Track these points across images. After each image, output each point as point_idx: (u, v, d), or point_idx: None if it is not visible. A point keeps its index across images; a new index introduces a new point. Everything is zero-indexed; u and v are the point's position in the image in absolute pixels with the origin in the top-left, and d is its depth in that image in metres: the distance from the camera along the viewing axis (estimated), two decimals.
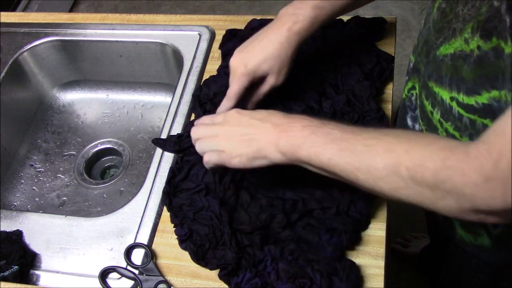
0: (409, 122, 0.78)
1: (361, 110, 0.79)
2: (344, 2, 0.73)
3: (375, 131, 0.56)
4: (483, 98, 0.57)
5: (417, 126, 0.75)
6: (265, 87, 0.75)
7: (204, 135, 0.68)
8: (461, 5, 0.56)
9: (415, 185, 0.51)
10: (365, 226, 0.71)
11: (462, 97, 0.60)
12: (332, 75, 0.84)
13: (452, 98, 0.62)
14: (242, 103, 0.76)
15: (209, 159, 0.67)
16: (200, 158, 0.76)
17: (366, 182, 0.55)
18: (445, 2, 0.61)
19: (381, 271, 0.67)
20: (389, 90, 0.85)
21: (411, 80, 0.77)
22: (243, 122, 0.65)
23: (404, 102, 0.79)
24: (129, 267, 0.71)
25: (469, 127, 0.61)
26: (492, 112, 0.57)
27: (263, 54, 0.72)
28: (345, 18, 0.93)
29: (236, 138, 0.64)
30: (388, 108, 0.83)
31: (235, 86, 0.73)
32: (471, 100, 0.59)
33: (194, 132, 0.70)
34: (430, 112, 0.68)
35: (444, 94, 0.63)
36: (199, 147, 0.69)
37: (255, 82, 0.74)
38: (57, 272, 0.74)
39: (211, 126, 0.69)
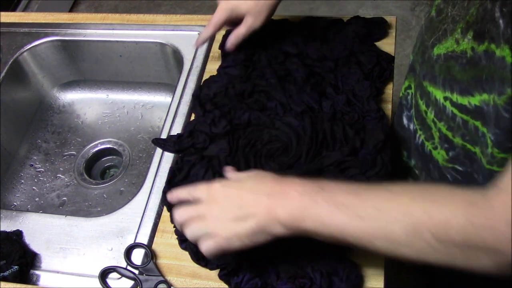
0: (405, 121, 0.78)
1: (361, 110, 0.79)
2: None
3: (381, 190, 0.52)
4: (476, 100, 0.56)
5: (411, 126, 0.75)
6: (242, 28, 0.83)
7: (190, 217, 0.60)
8: (451, 5, 0.56)
9: (442, 247, 0.47)
10: None
11: (456, 97, 0.60)
12: (332, 75, 0.84)
13: (445, 98, 0.62)
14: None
15: (207, 249, 0.59)
16: (199, 158, 0.77)
17: (386, 248, 0.51)
18: (442, 2, 0.61)
19: (381, 271, 0.67)
20: (389, 90, 0.85)
21: (407, 79, 0.77)
22: (231, 197, 0.58)
23: (401, 100, 0.79)
24: (129, 267, 0.71)
25: (461, 127, 0.61)
26: (482, 115, 0.57)
27: None
28: (345, 18, 0.93)
29: (229, 217, 0.57)
30: (388, 108, 0.83)
31: (215, 18, 0.84)
32: (464, 100, 0.58)
33: (179, 215, 0.62)
34: (424, 111, 0.68)
35: (438, 94, 0.63)
36: (189, 233, 0.60)
37: (234, 21, 0.84)
38: (57, 272, 0.74)
39: (195, 207, 0.61)
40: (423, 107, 0.68)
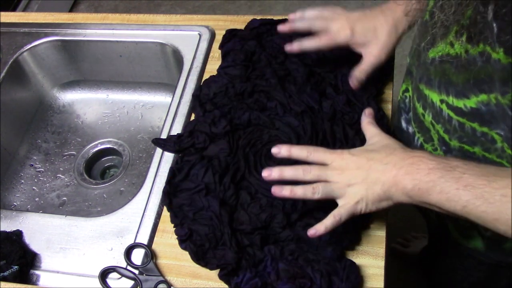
0: (403, 124, 0.78)
1: (361, 110, 0.78)
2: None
3: (509, 178, 0.52)
4: (471, 102, 0.57)
5: (410, 128, 0.76)
6: (368, 61, 0.75)
7: (319, 178, 0.62)
8: (439, 10, 0.56)
9: None
10: (365, 226, 0.71)
11: (452, 100, 0.60)
12: (332, 75, 0.84)
13: (442, 101, 0.62)
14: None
15: (338, 213, 0.61)
16: (199, 158, 0.77)
17: (508, 232, 0.52)
18: (434, 6, 0.61)
19: (381, 271, 0.67)
20: (389, 90, 0.85)
21: (405, 82, 0.77)
22: (362, 165, 0.61)
23: (399, 104, 0.79)
24: (129, 267, 0.71)
25: (458, 130, 0.61)
26: (480, 116, 0.57)
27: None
28: None
29: (357, 182, 0.61)
30: (388, 108, 0.83)
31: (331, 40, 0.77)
32: (460, 103, 0.59)
33: (302, 171, 0.63)
34: (422, 114, 0.69)
35: (434, 97, 0.63)
36: (323, 190, 0.62)
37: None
38: (57, 272, 0.74)
39: (321, 169, 0.63)
40: (420, 110, 0.69)
